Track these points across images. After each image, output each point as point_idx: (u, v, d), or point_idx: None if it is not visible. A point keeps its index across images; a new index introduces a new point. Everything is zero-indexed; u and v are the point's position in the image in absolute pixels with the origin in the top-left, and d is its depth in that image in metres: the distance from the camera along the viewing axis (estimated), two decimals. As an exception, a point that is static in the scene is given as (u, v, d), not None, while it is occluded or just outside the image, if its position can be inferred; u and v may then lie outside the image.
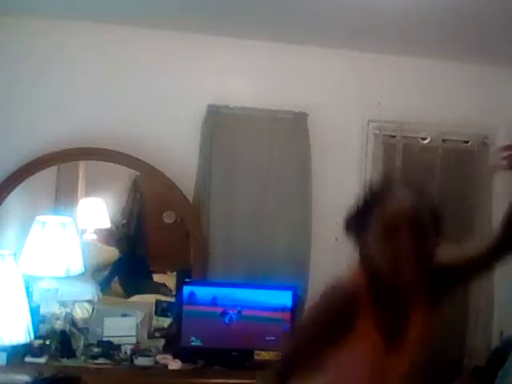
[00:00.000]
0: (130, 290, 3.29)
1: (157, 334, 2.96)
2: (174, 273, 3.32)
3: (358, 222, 1.54)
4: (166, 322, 3.02)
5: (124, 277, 3.33)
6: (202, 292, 2.92)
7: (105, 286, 3.25)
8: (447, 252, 1.56)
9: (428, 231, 1.48)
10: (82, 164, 3.18)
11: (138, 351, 2.78)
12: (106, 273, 3.31)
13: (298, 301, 2.91)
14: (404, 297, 1.51)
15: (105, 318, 2.88)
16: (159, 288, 3.30)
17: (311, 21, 2.84)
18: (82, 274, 2.97)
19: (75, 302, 3.00)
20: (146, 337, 2.92)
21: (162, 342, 2.91)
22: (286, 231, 3.18)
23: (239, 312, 2.88)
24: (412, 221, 1.45)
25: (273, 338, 2.80)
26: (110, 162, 3.04)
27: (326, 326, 1.52)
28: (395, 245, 1.44)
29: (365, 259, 1.53)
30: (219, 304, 2.89)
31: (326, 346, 1.51)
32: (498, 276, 3.48)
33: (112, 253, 3.38)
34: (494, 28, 2.78)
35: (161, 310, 3.04)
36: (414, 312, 1.54)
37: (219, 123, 3.10)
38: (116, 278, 3.32)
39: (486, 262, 1.61)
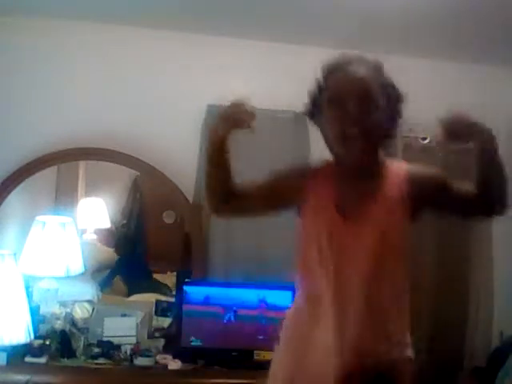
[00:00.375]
0: (132, 287, 3.29)
1: (157, 334, 2.95)
2: (174, 273, 3.32)
3: (315, 104, 1.60)
4: (165, 322, 3.02)
5: (125, 275, 3.33)
6: (202, 292, 2.92)
7: (105, 286, 3.25)
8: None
9: (376, 104, 1.49)
10: (82, 164, 3.18)
11: (137, 351, 2.78)
12: (106, 273, 3.31)
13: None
14: (361, 175, 1.56)
15: (105, 318, 2.88)
16: (161, 288, 3.30)
17: (311, 21, 2.84)
18: (82, 274, 2.97)
19: (75, 301, 3.00)
20: (146, 337, 2.92)
21: (162, 341, 2.91)
22: (286, 231, 3.17)
23: (239, 312, 2.88)
24: (357, 92, 1.47)
25: (273, 338, 2.81)
26: (110, 162, 3.04)
27: (277, 185, 1.66)
28: (340, 113, 1.48)
29: (325, 140, 1.59)
30: (219, 304, 2.89)
31: (273, 203, 1.68)
32: (497, 276, 3.49)
33: (112, 253, 3.38)
34: (494, 28, 2.78)
35: (161, 310, 3.04)
36: (373, 193, 1.56)
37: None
38: (117, 277, 3.32)
39: (468, 205, 1.65)
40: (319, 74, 1.59)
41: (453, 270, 3.50)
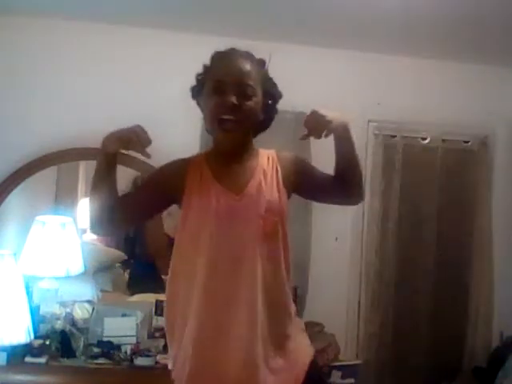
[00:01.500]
0: (139, 286, 3.30)
1: (157, 334, 2.95)
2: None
3: (196, 85, 1.79)
4: (166, 322, 3.02)
5: (133, 273, 3.35)
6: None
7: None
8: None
9: (252, 92, 1.64)
10: (82, 164, 3.17)
11: (137, 351, 2.78)
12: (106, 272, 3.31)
13: (298, 301, 2.91)
14: (235, 157, 1.69)
15: (105, 318, 2.88)
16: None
17: (311, 21, 2.84)
18: (82, 273, 2.97)
19: (75, 302, 3.00)
20: (145, 337, 2.91)
21: (162, 341, 2.90)
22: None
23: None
24: (236, 81, 1.63)
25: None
26: (110, 162, 3.03)
27: (158, 182, 1.79)
28: (219, 99, 1.61)
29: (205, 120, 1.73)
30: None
31: (156, 201, 1.74)
32: (497, 275, 3.49)
33: (112, 253, 3.38)
34: (494, 28, 2.78)
35: (161, 309, 3.03)
36: (248, 171, 1.68)
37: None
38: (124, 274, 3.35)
39: (326, 189, 1.75)
40: (209, 60, 1.77)
41: (453, 271, 3.51)
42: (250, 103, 1.63)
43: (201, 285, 1.63)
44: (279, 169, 1.71)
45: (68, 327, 2.83)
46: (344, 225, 3.33)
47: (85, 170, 3.22)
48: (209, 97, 1.66)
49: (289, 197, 1.72)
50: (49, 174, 3.04)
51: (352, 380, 2.97)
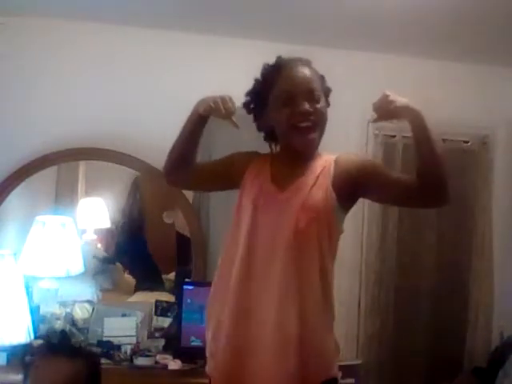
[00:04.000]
0: (140, 285, 3.30)
1: (157, 334, 2.95)
2: (174, 273, 3.32)
3: (258, 101, 1.81)
4: (165, 322, 3.02)
5: (134, 272, 3.35)
6: (202, 292, 2.92)
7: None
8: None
9: (319, 96, 1.73)
10: (82, 164, 3.18)
11: (137, 351, 2.78)
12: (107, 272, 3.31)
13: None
14: (298, 158, 1.75)
15: (105, 318, 2.88)
16: (166, 284, 3.31)
17: (311, 21, 2.84)
18: (82, 273, 2.97)
19: (75, 302, 3.00)
20: (146, 337, 2.92)
21: (162, 342, 2.91)
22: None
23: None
24: (305, 88, 1.71)
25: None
26: (110, 162, 3.04)
27: (226, 162, 1.90)
28: (293, 108, 1.68)
29: (265, 130, 1.82)
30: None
31: (220, 177, 1.89)
32: (497, 275, 3.49)
33: (112, 253, 3.38)
34: (494, 28, 2.78)
35: (161, 309, 3.04)
36: (303, 171, 1.74)
37: (219, 123, 3.09)
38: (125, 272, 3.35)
39: (404, 190, 1.69)
40: (263, 75, 1.81)
41: (453, 271, 3.51)
42: (320, 106, 1.72)
43: (237, 272, 1.70)
44: (332, 171, 1.72)
45: (68, 327, 2.83)
46: (344, 225, 3.33)
47: (85, 170, 3.22)
48: (280, 108, 1.72)
49: (348, 200, 1.73)
50: (49, 173, 3.04)
51: (352, 380, 2.97)
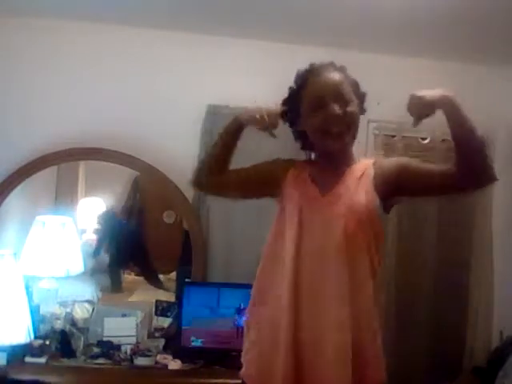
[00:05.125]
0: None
1: (157, 334, 2.95)
2: (174, 273, 3.32)
3: (291, 108, 1.80)
4: (166, 322, 3.02)
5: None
6: (202, 292, 2.92)
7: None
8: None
9: (350, 99, 1.72)
10: (82, 164, 3.18)
11: (137, 351, 2.78)
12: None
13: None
14: (336, 163, 1.78)
15: (105, 318, 2.88)
16: (164, 283, 3.31)
17: (311, 21, 2.84)
18: (82, 273, 2.97)
19: (75, 302, 3.00)
20: (145, 337, 2.92)
21: (162, 342, 2.91)
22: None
23: (239, 312, 2.88)
24: (336, 94, 1.71)
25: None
26: (110, 162, 3.04)
27: (263, 169, 1.91)
28: (324, 112, 1.69)
29: (301, 138, 1.83)
30: (219, 304, 2.89)
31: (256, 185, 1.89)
32: (497, 275, 3.49)
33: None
34: (494, 28, 2.78)
35: (161, 309, 3.04)
36: (343, 174, 1.76)
37: (219, 123, 3.09)
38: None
39: (446, 178, 1.67)
40: (295, 81, 1.83)
41: (453, 270, 3.50)
42: (351, 109, 1.71)
43: (287, 277, 1.69)
44: (372, 174, 1.74)
45: (68, 327, 2.83)
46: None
47: (85, 170, 3.22)
48: (311, 114, 1.73)
49: (390, 203, 1.76)
50: (49, 174, 3.04)
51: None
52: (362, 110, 1.80)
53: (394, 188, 1.71)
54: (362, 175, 1.74)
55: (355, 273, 1.66)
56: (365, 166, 1.76)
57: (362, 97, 1.80)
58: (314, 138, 1.76)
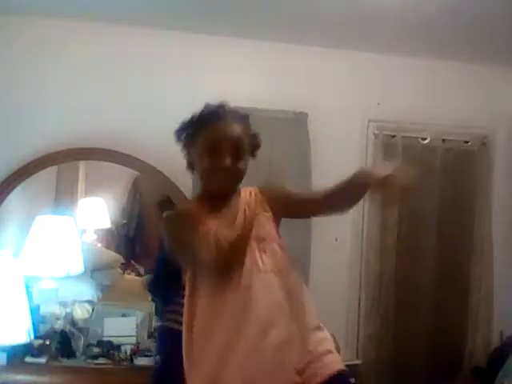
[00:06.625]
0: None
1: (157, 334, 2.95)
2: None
3: (188, 135, 1.84)
4: (166, 321, 3.02)
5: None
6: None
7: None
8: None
9: (243, 155, 1.79)
10: (82, 164, 3.18)
11: (137, 351, 2.78)
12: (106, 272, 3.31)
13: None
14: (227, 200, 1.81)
15: (105, 318, 2.88)
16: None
17: (311, 21, 2.84)
18: (82, 273, 2.97)
19: (75, 301, 3.00)
20: (146, 337, 2.91)
21: (162, 341, 2.90)
22: (286, 231, 3.17)
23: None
24: (232, 144, 1.76)
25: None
26: (110, 162, 3.03)
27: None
28: (215, 160, 1.74)
29: (191, 167, 1.85)
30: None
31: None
32: (497, 275, 3.49)
33: (112, 256, 3.38)
34: (494, 28, 2.78)
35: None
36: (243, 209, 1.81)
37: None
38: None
39: (316, 205, 1.79)
40: (201, 115, 1.87)
41: (453, 271, 3.50)
42: (242, 164, 1.79)
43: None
44: (260, 197, 1.82)
45: (68, 327, 2.83)
46: (344, 225, 3.33)
47: (85, 170, 3.22)
48: (203, 154, 1.78)
49: (278, 222, 1.85)
50: (49, 173, 3.04)
51: (352, 380, 2.97)
52: (254, 157, 1.89)
53: (275, 210, 1.83)
54: (253, 201, 1.82)
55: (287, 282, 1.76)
56: (251, 193, 1.85)
57: (256, 147, 1.89)
58: (201, 175, 1.82)
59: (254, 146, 1.88)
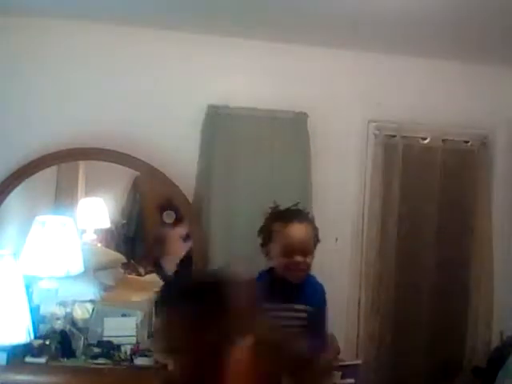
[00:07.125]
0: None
1: (157, 334, 2.95)
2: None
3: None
4: (166, 321, 3.01)
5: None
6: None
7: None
8: None
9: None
10: (82, 164, 3.17)
11: (137, 351, 2.78)
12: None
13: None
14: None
15: (105, 318, 2.88)
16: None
17: (311, 21, 2.84)
18: (82, 273, 2.97)
19: (75, 302, 3.00)
20: (146, 337, 2.92)
21: (162, 341, 2.90)
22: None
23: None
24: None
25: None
26: (110, 162, 3.03)
27: None
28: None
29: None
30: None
31: None
32: (497, 275, 3.49)
33: (113, 255, 3.38)
34: (494, 28, 2.78)
35: (161, 310, 3.03)
36: None
37: (219, 123, 3.10)
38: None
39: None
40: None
41: (453, 271, 3.51)
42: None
43: None
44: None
45: (68, 327, 2.83)
46: (344, 225, 3.34)
47: (85, 170, 3.22)
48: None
49: None
50: (49, 173, 3.04)
51: (352, 380, 2.96)
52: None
53: None
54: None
55: None
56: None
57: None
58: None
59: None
